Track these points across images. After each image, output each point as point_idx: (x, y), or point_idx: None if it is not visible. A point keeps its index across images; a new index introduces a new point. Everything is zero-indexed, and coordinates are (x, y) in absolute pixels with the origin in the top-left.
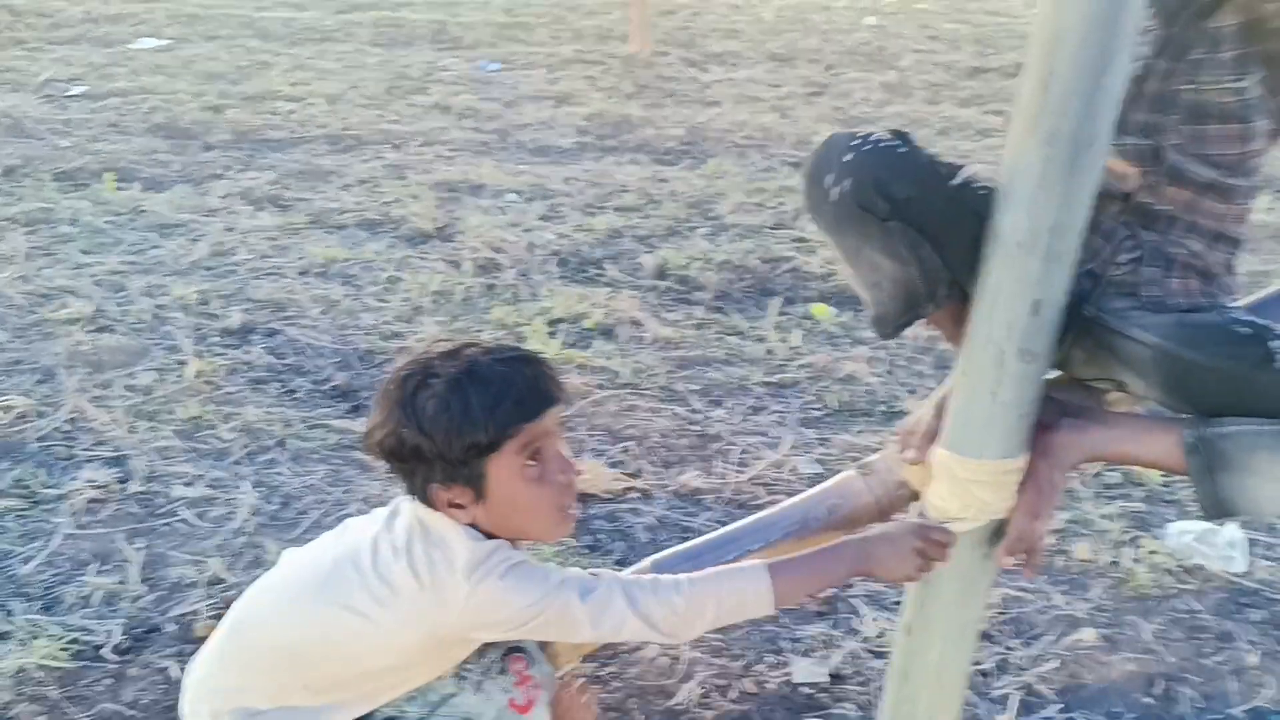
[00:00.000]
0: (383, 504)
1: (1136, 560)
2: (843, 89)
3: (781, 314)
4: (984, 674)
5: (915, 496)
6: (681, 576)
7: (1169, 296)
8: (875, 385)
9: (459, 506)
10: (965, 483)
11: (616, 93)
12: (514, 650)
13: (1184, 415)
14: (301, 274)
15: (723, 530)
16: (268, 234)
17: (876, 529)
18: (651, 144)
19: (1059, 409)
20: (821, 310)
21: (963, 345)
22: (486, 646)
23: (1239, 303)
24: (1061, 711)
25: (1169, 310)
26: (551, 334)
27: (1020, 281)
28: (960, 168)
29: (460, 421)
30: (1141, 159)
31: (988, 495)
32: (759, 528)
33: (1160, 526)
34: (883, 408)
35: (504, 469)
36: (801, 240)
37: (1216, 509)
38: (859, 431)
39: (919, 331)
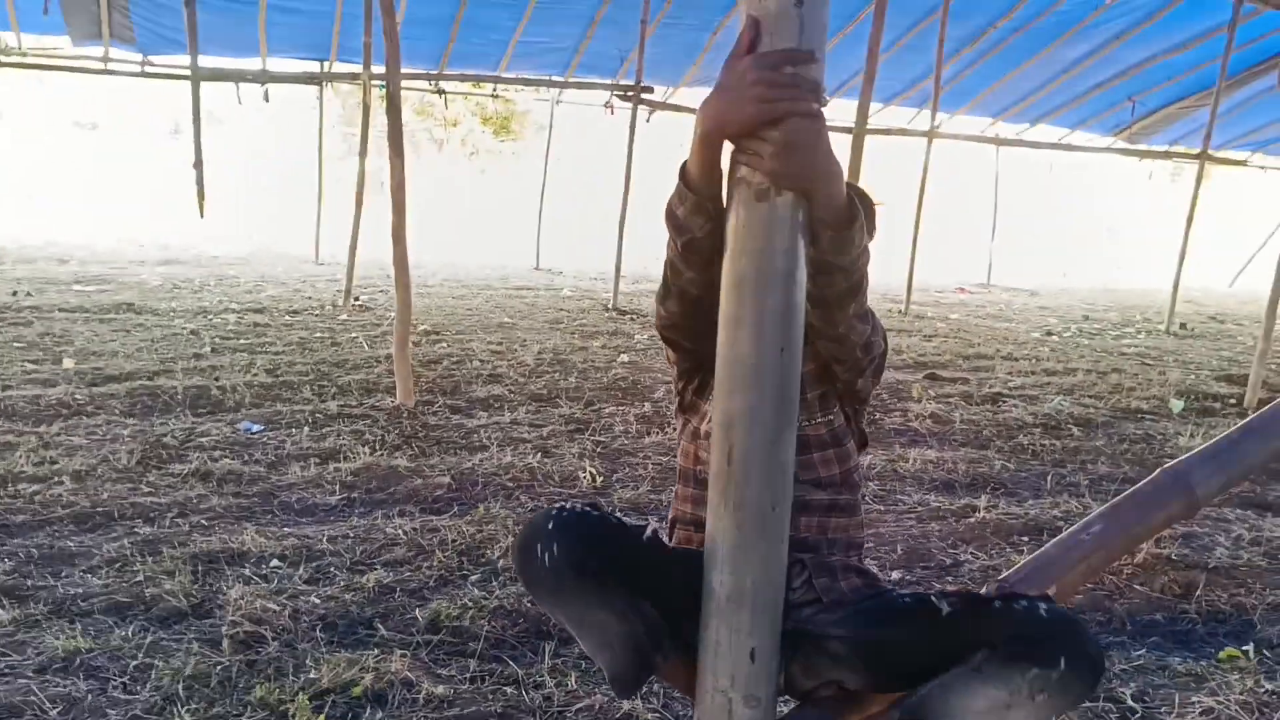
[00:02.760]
0: None
1: None
2: (603, 423)
3: (556, 656)
4: None
5: None
6: None
7: (843, 596)
8: None
9: None
10: None
11: (384, 445)
12: None
13: (896, 699)
14: (39, 672)
15: None
16: (3, 630)
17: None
18: (420, 493)
19: None
20: None
21: (695, 696)
22: None
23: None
24: None
25: (849, 604)
26: (317, 708)
27: (736, 633)
28: (644, 526)
29: None
30: None
31: None
32: None
33: None
34: None
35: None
36: None
37: None
38: None
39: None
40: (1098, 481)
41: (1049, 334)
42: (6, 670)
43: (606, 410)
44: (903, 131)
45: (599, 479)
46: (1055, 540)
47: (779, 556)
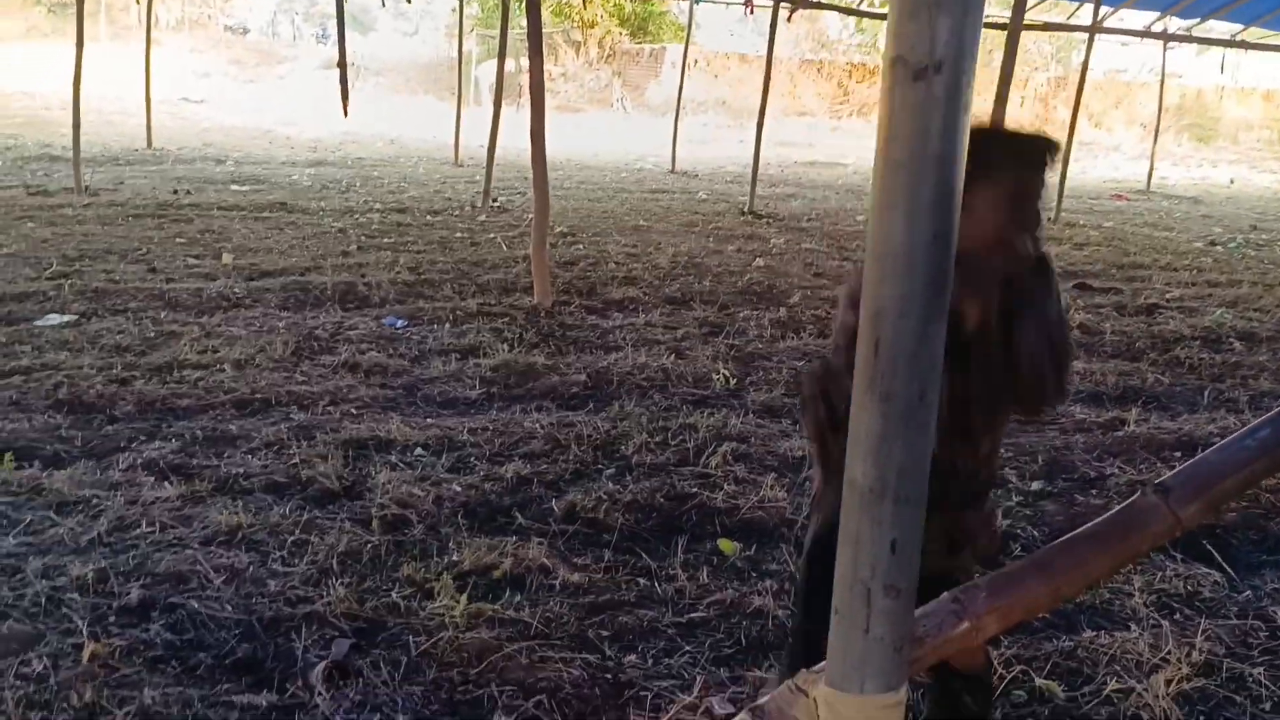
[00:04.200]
0: None
1: None
2: (737, 327)
3: (689, 551)
4: None
5: None
6: None
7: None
8: (784, 619)
9: None
10: (849, 719)
11: (521, 342)
12: None
13: None
14: (205, 544)
15: None
16: (171, 505)
17: None
18: (557, 390)
19: None
20: (727, 545)
21: (836, 585)
22: None
23: None
24: None
25: None
26: (460, 587)
27: (878, 525)
28: None
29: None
30: None
31: None
32: None
33: None
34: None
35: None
36: (705, 476)
37: None
38: (769, 667)
39: None
40: (1259, 398)
41: (1212, 244)
42: (175, 541)
43: (741, 314)
44: (1063, 27)
45: (732, 381)
46: (1215, 446)
47: (924, 447)
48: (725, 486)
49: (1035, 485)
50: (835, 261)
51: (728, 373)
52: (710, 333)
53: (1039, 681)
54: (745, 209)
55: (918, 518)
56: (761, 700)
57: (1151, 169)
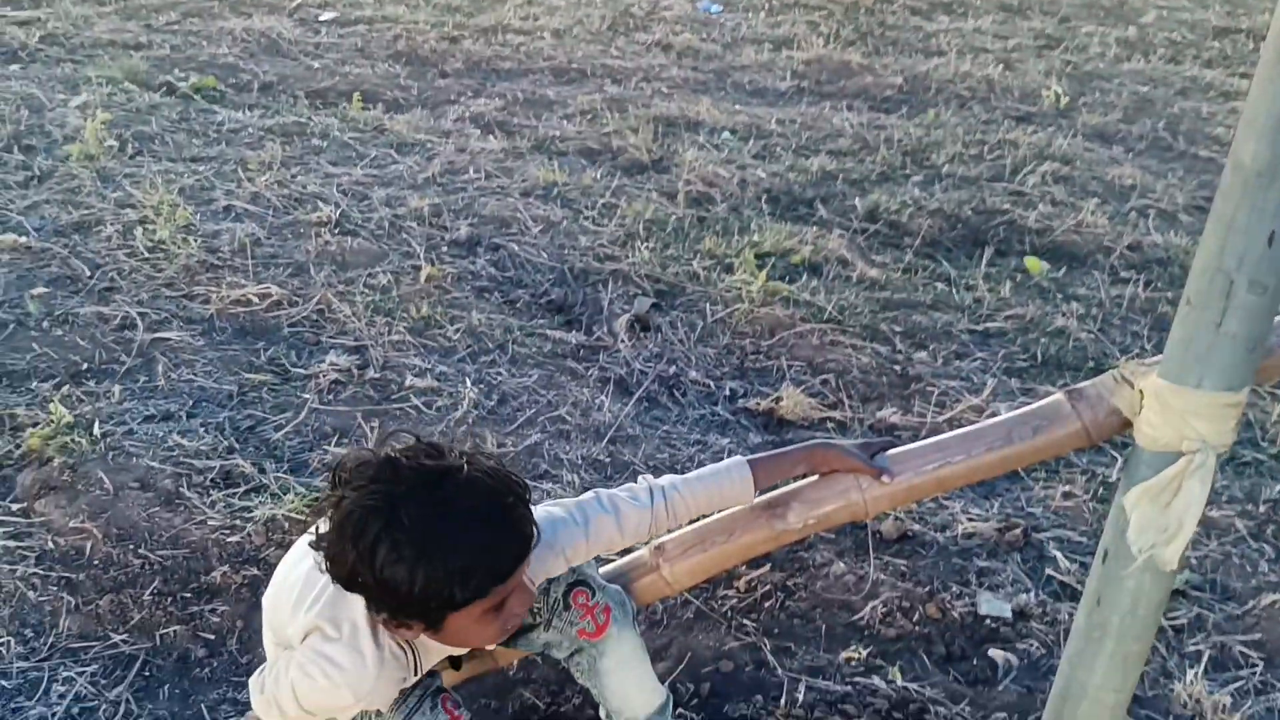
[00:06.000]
0: (588, 409)
1: None
2: (1077, 43)
3: (992, 265)
4: (1177, 630)
5: (1126, 425)
6: (669, 480)
7: None
8: (1086, 341)
9: (405, 628)
10: (1180, 413)
11: (837, 39)
12: (576, 585)
13: None
14: (524, 195)
15: (930, 440)
16: (495, 156)
17: (843, 443)
18: (870, 90)
19: None
20: (1035, 264)
21: (1192, 273)
22: (550, 583)
23: None
24: (1256, 674)
25: None
26: (759, 266)
27: (1257, 212)
28: None
29: (425, 588)
30: None
31: (1202, 426)
32: (963, 440)
33: None
34: (1091, 364)
35: (465, 618)
36: (1019, 194)
37: None
38: (1063, 385)
39: (1136, 291)
40: None
41: None
42: (498, 189)
43: (1083, 29)
44: None
45: (1063, 100)
46: None
47: None
48: (1040, 206)
49: None
50: None
51: (1060, 90)
52: (1045, 46)
53: None
54: None
55: None
56: (1081, 385)
57: None
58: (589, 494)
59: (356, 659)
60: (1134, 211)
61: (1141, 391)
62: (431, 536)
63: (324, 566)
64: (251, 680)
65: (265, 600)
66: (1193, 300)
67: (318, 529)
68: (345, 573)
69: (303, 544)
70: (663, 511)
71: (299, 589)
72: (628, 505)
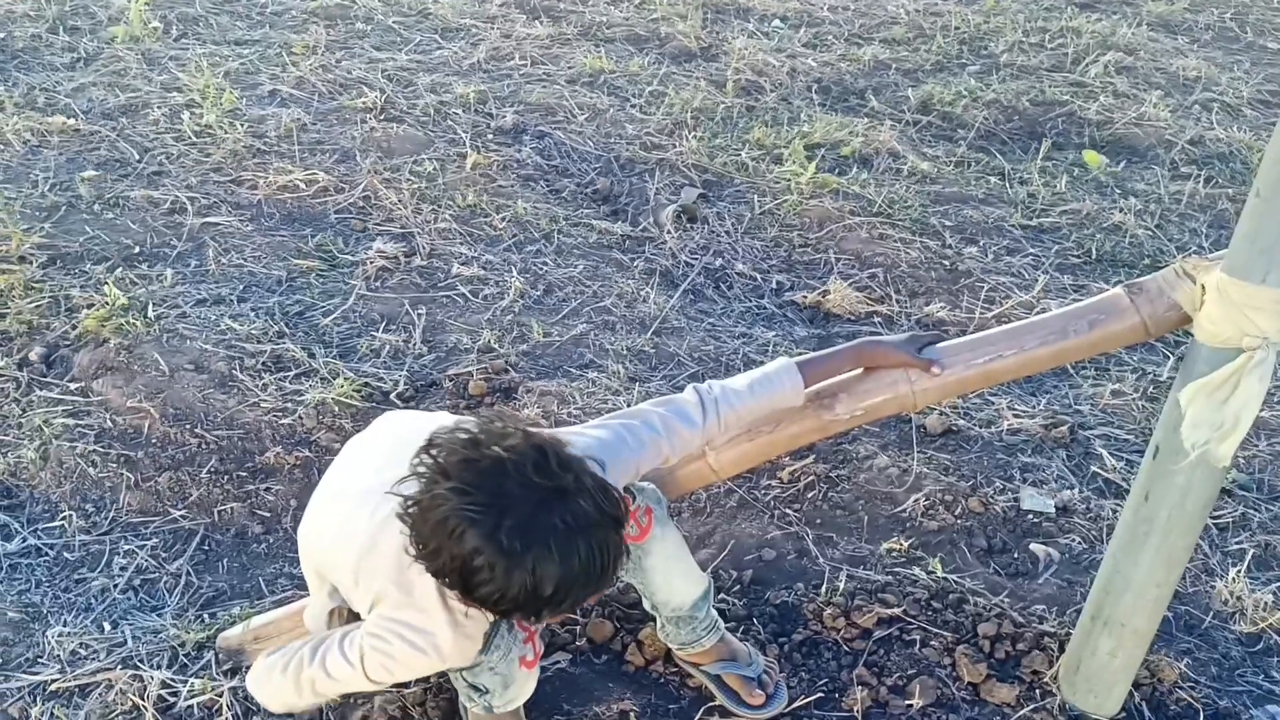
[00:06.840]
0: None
1: None
2: None
3: (1048, 158)
4: (1221, 528)
5: (1185, 320)
6: (720, 391)
7: None
8: (1143, 238)
9: (473, 605)
10: (1241, 307)
11: None
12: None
13: None
14: (570, 82)
15: (983, 333)
16: (540, 43)
17: (892, 338)
18: None
19: None
20: (1094, 158)
21: (1264, 166)
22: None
23: None
24: None
25: None
26: (809, 157)
27: None
28: None
29: (508, 606)
30: None
31: (1264, 322)
32: (1015, 334)
33: None
34: (1147, 261)
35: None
36: (1080, 85)
37: None
38: (1118, 282)
39: (1196, 187)
40: None
41: None
42: (544, 76)
43: None
44: None
45: None
46: None
47: None
48: (1101, 98)
49: None
50: None
51: None
52: None
53: None
54: None
55: None
56: (1141, 279)
57: None
58: (639, 415)
59: (436, 620)
60: (1197, 105)
61: (1204, 286)
62: (526, 566)
63: (412, 550)
64: (263, 661)
65: (307, 533)
66: (1262, 192)
67: (406, 502)
68: (434, 566)
69: (345, 480)
70: (715, 429)
71: (359, 544)
72: (681, 425)
